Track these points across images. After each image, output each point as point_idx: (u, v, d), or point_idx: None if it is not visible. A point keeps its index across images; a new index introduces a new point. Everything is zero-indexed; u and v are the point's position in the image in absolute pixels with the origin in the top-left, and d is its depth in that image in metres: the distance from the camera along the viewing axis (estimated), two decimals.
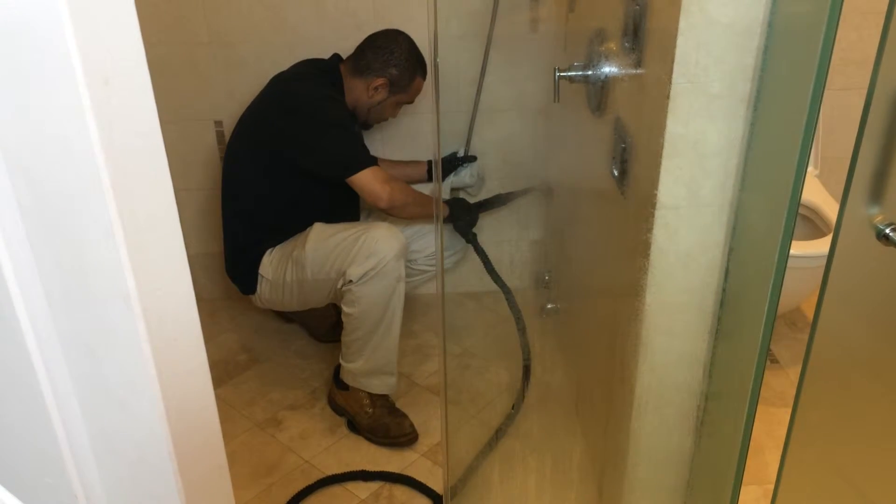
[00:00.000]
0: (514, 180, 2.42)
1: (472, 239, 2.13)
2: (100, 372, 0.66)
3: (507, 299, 2.11)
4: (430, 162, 2.35)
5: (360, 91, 2.06)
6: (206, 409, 0.71)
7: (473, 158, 2.36)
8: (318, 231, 1.97)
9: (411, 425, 2.02)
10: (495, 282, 2.10)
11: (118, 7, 0.53)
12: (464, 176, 2.35)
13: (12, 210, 0.61)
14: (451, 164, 2.35)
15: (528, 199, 2.47)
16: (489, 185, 2.41)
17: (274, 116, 1.98)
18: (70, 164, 0.56)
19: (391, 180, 1.94)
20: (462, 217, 2.15)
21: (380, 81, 2.04)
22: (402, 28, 2.23)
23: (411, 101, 2.17)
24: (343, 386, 2.06)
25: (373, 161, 1.94)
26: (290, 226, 2.04)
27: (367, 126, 2.20)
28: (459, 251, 2.30)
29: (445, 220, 2.13)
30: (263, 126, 2.01)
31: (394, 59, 2.03)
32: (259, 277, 2.03)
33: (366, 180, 1.91)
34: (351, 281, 1.89)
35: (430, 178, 2.35)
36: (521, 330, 2.11)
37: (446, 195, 2.40)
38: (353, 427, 2.05)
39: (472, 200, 2.45)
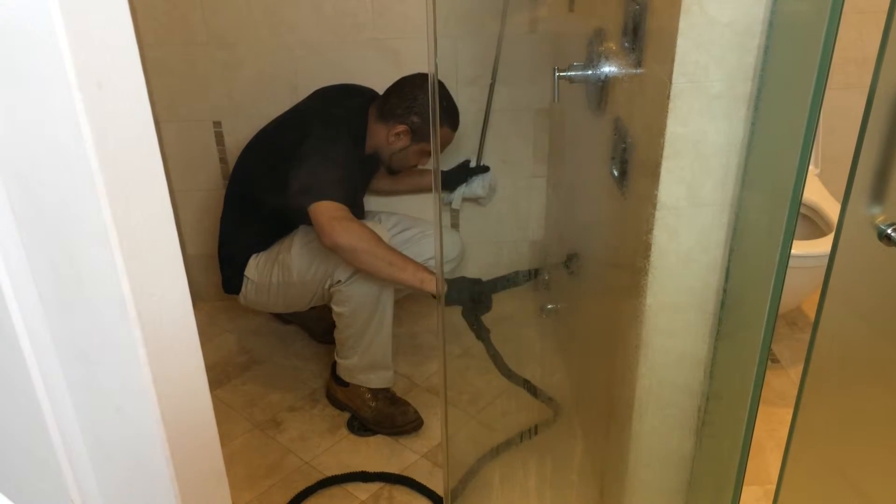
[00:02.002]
0: (514, 180, 2.41)
1: (483, 334, 1.82)
2: (95, 377, 0.66)
3: (534, 394, 2.01)
4: (442, 171, 2.31)
5: (382, 136, 1.99)
6: (203, 413, 0.70)
7: (486, 169, 2.31)
8: (304, 234, 1.97)
9: (415, 412, 2.04)
10: (510, 380, 1.92)
11: (112, 9, 0.53)
12: (476, 187, 2.30)
13: (6, 214, 0.60)
14: (464, 173, 2.30)
15: (528, 197, 2.46)
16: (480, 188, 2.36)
17: (283, 140, 1.97)
18: (64, 168, 0.55)
19: (345, 220, 1.78)
20: (467, 302, 1.83)
21: (400, 128, 1.96)
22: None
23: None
24: (342, 382, 2.07)
25: (335, 198, 1.80)
26: (282, 236, 2.03)
27: (393, 172, 2.14)
28: (455, 259, 2.23)
29: (447, 303, 1.83)
30: (275, 142, 2.01)
31: (417, 105, 1.94)
32: (245, 279, 2.03)
33: (316, 211, 1.78)
34: (339, 281, 1.90)
35: (442, 187, 2.31)
36: (556, 410, 2.05)
37: (458, 206, 2.38)
38: (354, 426, 2.05)
39: (484, 209, 2.41)
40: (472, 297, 1.83)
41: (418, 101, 1.94)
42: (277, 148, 1.97)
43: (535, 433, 1.99)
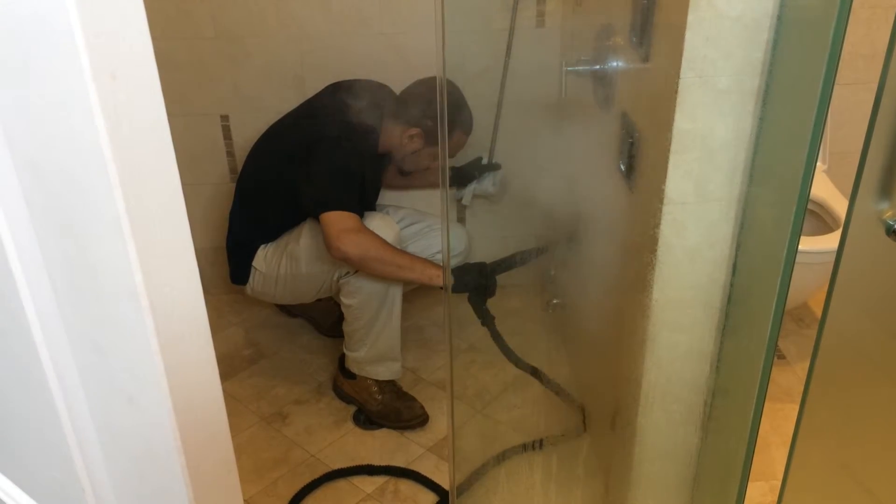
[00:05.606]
0: (521, 175, 2.41)
1: (487, 320, 1.82)
2: (107, 367, 0.66)
3: (539, 379, 1.99)
4: (452, 168, 2.31)
5: (396, 137, 1.99)
6: (214, 403, 0.71)
7: (498, 167, 2.31)
8: (312, 225, 1.98)
9: (421, 407, 2.05)
10: (517, 365, 1.92)
11: (126, 1, 0.53)
12: (487, 184, 2.29)
13: (19, 205, 0.61)
14: (476, 170, 2.29)
15: (535, 192, 2.46)
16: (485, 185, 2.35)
17: (298, 137, 1.98)
18: (77, 159, 0.56)
19: (353, 232, 1.79)
20: (472, 287, 1.81)
21: (414, 131, 1.97)
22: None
23: (451, 156, 2.10)
24: (349, 375, 2.08)
25: (345, 207, 1.82)
26: (291, 227, 2.04)
27: (404, 173, 2.14)
28: (462, 253, 2.22)
29: (453, 291, 1.85)
30: (289, 138, 2.01)
31: (432, 109, 1.93)
32: (252, 270, 2.04)
33: (325, 221, 1.80)
34: (348, 272, 1.91)
35: (453, 183, 2.31)
36: (566, 397, 2.03)
37: (468, 202, 2.38)
38: (360, 420, 2.06)
39: (493, 208, 2.40)
40: (477, 282, 1.83)
41: (433, 105, 1.93)
42: (292, 144, 1.97)
43: (541, 447, 1.99)
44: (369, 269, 1.86)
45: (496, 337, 1.87)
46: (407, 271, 1.85)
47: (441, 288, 1.89)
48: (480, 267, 1.87)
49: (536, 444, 1.97)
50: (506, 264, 1.96)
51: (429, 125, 1.96)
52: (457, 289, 1.86)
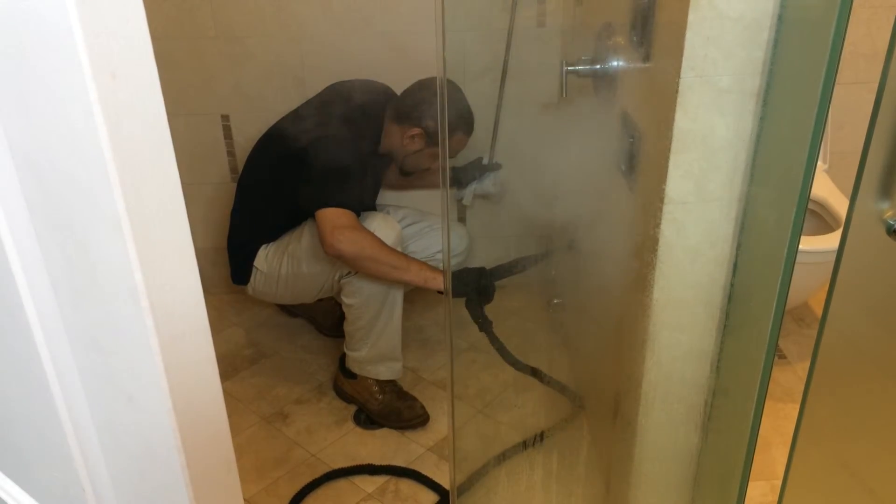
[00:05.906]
0: (522, 174, 2.41)
1: (484, 325, 1.79)
2: (107, 366, 0.67)
3: (541, 380, 1.99)
4: (453, 168, 2.31)
5: (396, 138, 1.99)
6: (214, 403, 0.71)
7: (498, 166, 2.31)
8: (313, 224, 1.98)
9: (422, 407, 2.06)
10: (517, 368, 1.91)
11: (125, 1, 0.53)
12: (487, 184, 2.29)
13: (20, 205, 0.61)
14: (477, 170, 2.29)
15: (536, 191, 2.46)
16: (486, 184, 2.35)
17: (298, 136, 1.97)
18: (77, 159, 0.56)
19: (347, 229, 1.78)
20: (471, 292, 1.80)
21: (415, 132, 1.96)
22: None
23: (452, 156, 2.10)
24: (350, 374, 2.08)
25: (341, 204, 1.81)
26: (293, 227, 2.04)
27: (406, 173, 2.13)
28: (462, 253, 2.23)
29: (453, 296, 1.82)
30: (289, 137, 2.01)
31: (433, 110, 1.93)
32: (254, 270, 2.04)
33: (321, 218, 1.79)
34: (349, 272, 1.90)
35: (453, 184, 2.32)
36: (567, 393, 2.04)
37: (468, 202, 2.38)
38: (361, 419, 2.06)
39: (494, 208, 2.40)
40: (475, 286, 1.82)
41: (434, 106, 1.93)
42: (292, 144, 1.97)
43: (542, 440, 1.99)
44: (363, 268, 1.85)
45: (494, 341, 1.86)
46: (401, 272, 1.84)
47: (439, 292, 1.89)
48: (479, 272, 1.87)
49: (538, 439, 1.97)
50: (505, 270, 1.95)
51: (430, 125, 1.96)
52: (456, 294, 1.86)
